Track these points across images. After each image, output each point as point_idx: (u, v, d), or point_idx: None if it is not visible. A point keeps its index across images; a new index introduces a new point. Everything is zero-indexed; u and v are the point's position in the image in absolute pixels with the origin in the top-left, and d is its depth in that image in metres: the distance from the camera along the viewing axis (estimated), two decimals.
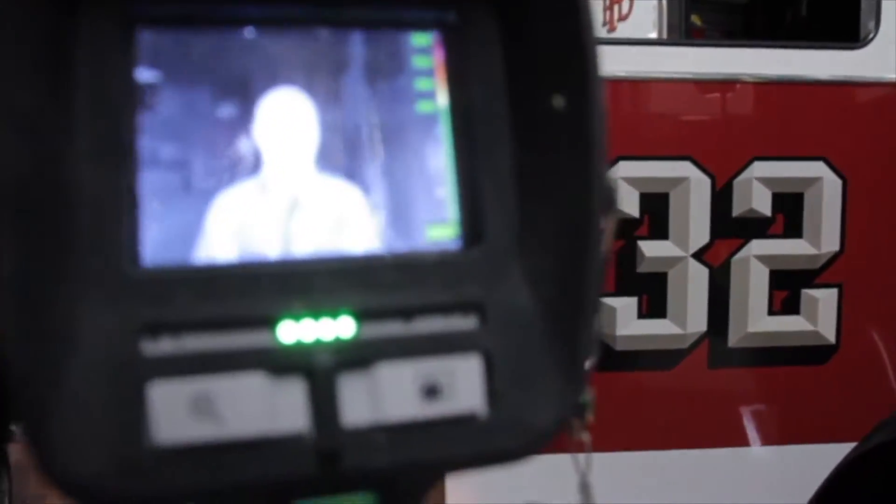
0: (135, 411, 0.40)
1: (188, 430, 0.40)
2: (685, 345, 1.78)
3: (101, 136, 0.43)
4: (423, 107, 0.50)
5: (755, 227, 1.78)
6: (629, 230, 1.75)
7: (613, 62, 1.75)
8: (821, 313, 1.79)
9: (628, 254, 1.75)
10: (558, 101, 0.47)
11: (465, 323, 0.46)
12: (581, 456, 0.60)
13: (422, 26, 0.50)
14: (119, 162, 0.43)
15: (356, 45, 0.49)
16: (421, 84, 0.50)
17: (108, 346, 0.40)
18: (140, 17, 0.45)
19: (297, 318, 0.43)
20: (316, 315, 0.43)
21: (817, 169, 1.78)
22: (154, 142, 0.44)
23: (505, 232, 0.48)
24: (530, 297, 0.47)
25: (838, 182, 1.78)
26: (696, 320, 1.78)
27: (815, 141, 1.79)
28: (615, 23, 2.36)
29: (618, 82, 1.77)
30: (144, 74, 0.45)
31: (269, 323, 0.43)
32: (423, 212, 0.49)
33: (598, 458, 0.61)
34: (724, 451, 1.82)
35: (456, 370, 0.44)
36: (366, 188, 0.48)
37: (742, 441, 1.82)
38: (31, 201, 0.39)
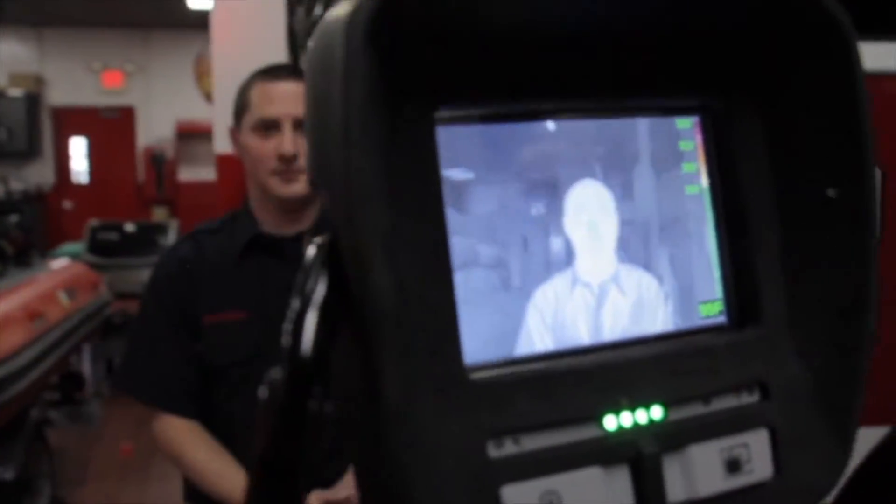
0: None
1: None
2: None
3: (423, 240, 0.44)
4: (690, 189, 0.53)
5: None
6: None
7: None
8: None
9: None
10: (831, 192, 0.50)
11: (752, 399, 0.50)
12: None
13: (685, 112, 0.53)
14: (440, 264, 0.44)
15: (643, 135, 0.51)
16: (687, 167, 0.53)
17: (461, 454, 0.42)
18: (443, 117, 0.45)
19: (617, 411, 0.46)
20: (633, 408, 0.47)
21: None
22: (470, 241, 0.46)
23: (778, 309, 0.52)
24: (803, 369, 0.51)
25: None
26: None
27: None
28: None
29: None
30: (454, 173, 0.45)
31: (596, 417, 0.46)
32: (698, 291, 0.52)
33: None
34: None
35: (750, 444, 0.48)
36: (660, 278, 0.51)
37: None
38: (400, 324, 0.40)
